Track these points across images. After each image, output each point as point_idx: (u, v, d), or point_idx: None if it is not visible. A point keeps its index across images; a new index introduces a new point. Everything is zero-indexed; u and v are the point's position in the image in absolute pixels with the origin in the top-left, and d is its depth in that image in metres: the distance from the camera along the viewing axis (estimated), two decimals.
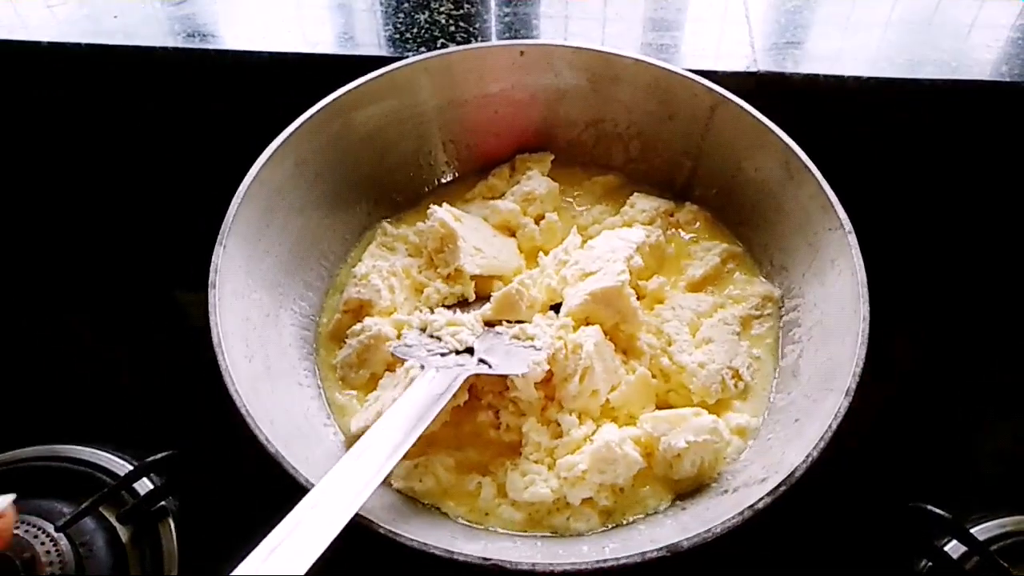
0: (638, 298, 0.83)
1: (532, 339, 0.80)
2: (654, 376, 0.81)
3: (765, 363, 0.85)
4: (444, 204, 0.91)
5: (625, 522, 0.75)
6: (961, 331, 1.05)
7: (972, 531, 0.82)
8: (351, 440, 0.78)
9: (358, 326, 0.84)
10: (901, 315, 1.04)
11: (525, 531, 0.74)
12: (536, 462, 0.76)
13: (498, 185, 0.98)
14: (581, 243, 0.91)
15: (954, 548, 0.83)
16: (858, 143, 1.04)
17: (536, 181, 0.96)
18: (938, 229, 1.08)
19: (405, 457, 0.72)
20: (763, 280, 0.90)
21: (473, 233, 0.90)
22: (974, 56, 1.01)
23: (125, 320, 1.11)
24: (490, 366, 0.78)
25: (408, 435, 0.69)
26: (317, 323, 0.89)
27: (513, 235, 0.94)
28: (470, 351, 0.80)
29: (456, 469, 0.77)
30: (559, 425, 0.77)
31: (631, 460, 0.74)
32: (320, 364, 0.86)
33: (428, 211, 0.90)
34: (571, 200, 0.99)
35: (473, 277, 0.87)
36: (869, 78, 0.97)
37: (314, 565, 0.57)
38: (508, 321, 0.83)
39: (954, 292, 1.06)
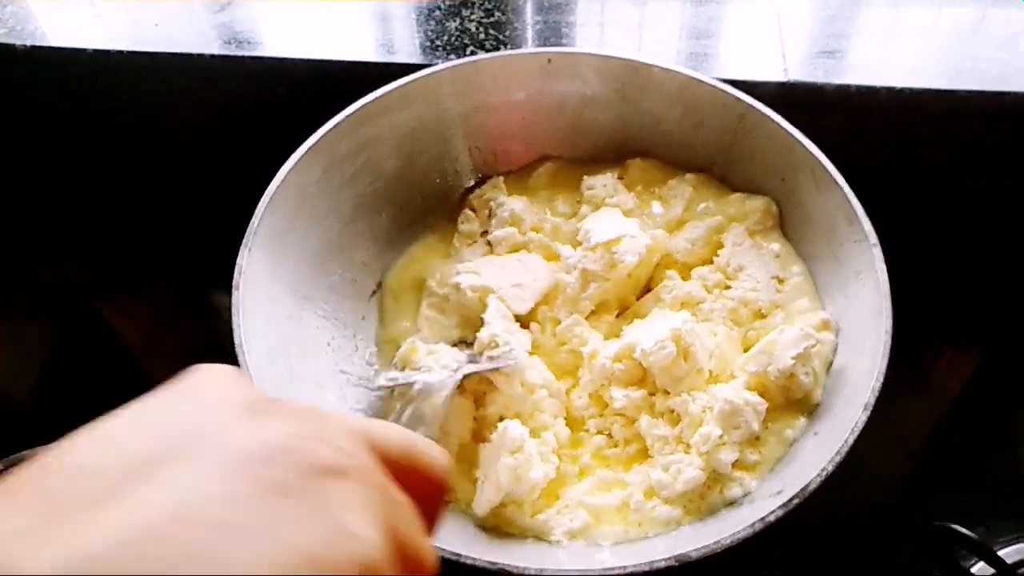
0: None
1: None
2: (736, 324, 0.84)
3: (786, 259, 0.87)
4: (460, 265, 0.91)
5: (779, 467, 0.75)
6: (1000, 351, 1.03)
7: (1000, 553, 0.80)
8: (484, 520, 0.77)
9: None
10: (939, 334, 1.03)
11: (683, 522, 0.74)
12: (671, 453, 0.76)
13: (473, 229, 0.96)
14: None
15: (981, 570, 0.81)
16: (893, 155, 1.02)
17: (509, 203, 0.93)
18: (984, 247, 1.05)
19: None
20: (755, 195, 0.91)
21: (500, 273, 0.88)
22: (1017, 66, 0.99)
23: (160, 319, 1.13)
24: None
25: None
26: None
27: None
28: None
29: (597, 492, 0.77)
30: (672, 411, 0.77)
31: (755, 403, 0.75)
32: None
33: (454, 280, 0.88)
34: (534, 204, 0.97)
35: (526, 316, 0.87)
36: (903, 89, 0.95)
37: None
38: None
39: (995, 312, 1.04)
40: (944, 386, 1.02)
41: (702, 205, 0.93)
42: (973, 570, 0.81)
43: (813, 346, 0.76)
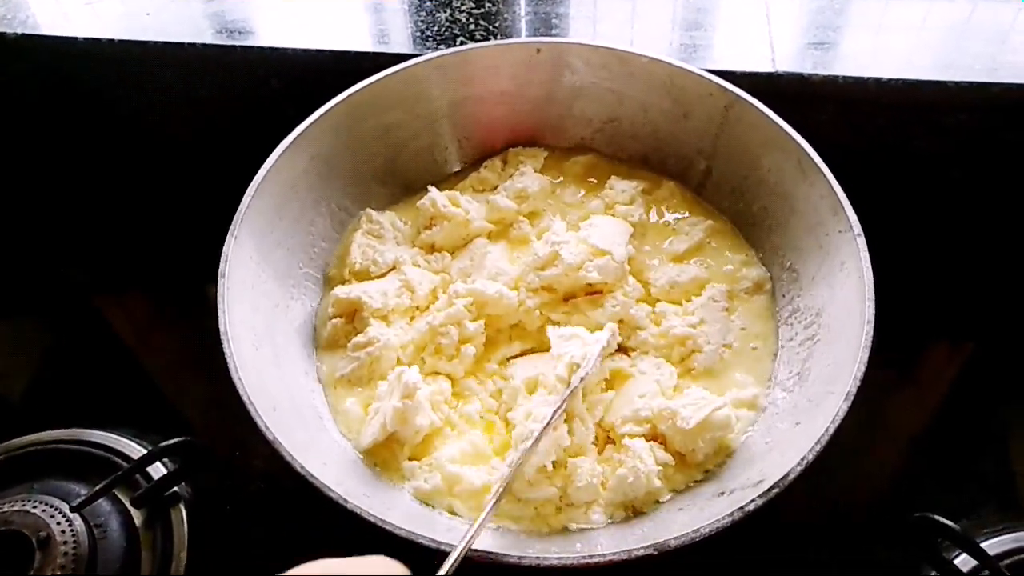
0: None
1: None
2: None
3: (753, 330, 0.87)
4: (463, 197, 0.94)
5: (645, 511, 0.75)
6: (989, 345, 1.03)
7: (983, 545, 0.79)
8: (365, 454, 0.78)
9: (362, 338, 0.83)
10: (928, 328, 1.03)
11: (534, 526, 0.74)
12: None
13: (490, 178, 0.98)
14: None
15: (963, 562, 0.80)
16: (882, 146, 1.02)
17: (529, 178, 0.96)
18: (973, 239, 1.06)
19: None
20: (757, 263, 0.91)
21: (482, 250, 0.92)
22: (1006, 59, 0.98)
23: (151, 310, 1.13)
24: None
25: None
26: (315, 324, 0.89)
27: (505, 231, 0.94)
28: None
29: (460, 462, 0.77)
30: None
31: (654, 487, 0.74)
32: (322, 373, 0.85)
33: (451, 210, 0.91)
34: (554, 185, 0.99)
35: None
36: (891, 80, 0.95)
37: None
38: None
39: (984, 306, 1.04)
40: (932, 380, 1.02)
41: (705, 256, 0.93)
42: (956, 561, 0.81)
43: (719, 410, 0.76)
